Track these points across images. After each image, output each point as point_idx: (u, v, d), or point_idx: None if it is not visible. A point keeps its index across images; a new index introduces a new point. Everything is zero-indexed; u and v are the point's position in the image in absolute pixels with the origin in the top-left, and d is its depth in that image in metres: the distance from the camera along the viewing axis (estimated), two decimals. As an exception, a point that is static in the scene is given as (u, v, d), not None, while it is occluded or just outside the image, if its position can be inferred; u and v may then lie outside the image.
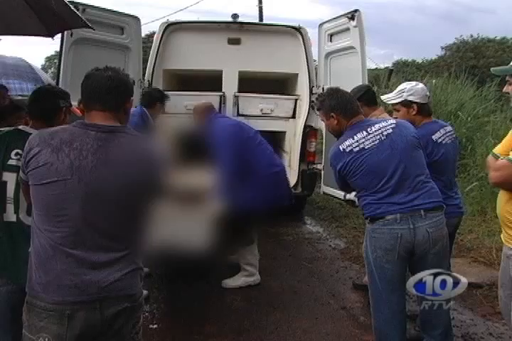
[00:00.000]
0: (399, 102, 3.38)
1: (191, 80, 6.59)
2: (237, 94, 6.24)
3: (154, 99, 4.87)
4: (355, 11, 5.23)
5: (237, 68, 6.19)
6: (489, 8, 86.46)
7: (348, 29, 5.43)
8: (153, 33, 7.60)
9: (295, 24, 6.24)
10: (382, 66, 19.41)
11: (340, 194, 5.66)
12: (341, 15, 5.50)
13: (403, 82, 3.56)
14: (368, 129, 2.87)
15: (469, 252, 5.49)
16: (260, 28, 6.49)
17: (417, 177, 2.84)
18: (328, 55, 6.02)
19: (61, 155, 1.81)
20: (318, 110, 3.14)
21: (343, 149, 2.86)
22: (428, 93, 3.41)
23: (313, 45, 6.37)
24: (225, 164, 4.13)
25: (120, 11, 5.72)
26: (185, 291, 4.43)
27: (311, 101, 6.22)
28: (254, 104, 6.17)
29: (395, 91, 3.43)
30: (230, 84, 6.22)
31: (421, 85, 3.41)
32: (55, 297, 1.84)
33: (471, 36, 29.51)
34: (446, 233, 2.95)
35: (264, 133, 5.82)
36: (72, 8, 3.04)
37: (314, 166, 6.35)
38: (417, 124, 3.24)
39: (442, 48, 30.62)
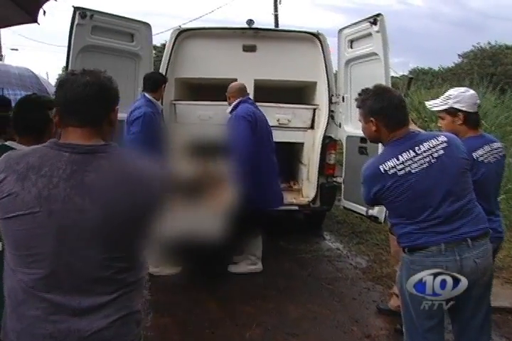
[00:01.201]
0: (444, 109, 3.01)
1: (204, 89, 6.30)
2: (252, 103, 5.90)
3: (159, 82, 4.89)
4: (378, 15, 4.88)
5: (253, 76, 5.86)
6: (505, 15, 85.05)
7: (369, 34, 5.09)
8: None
9: (313, 30, 5.93)
10: (399, 74, 19.04)
11: (362, 209, 5.42)
12: (362, 20, 5.16)
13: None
14: (416, 149, 2.46)
15: (501, 272, 5.09)
16: (277, 35, 6.19)
17: (466, 205, 2.45)
18: (348, 62, 5.70)
19: (27, 184, 1.48)
20: (357, 108, 2.69)
21: (385, 170, 2.44)
22: (478, 101, 3.03)
23: (331, 52, 6.05)
24: (240, 152, 4.42)
25: (129, 17, 5.46)
26: (195, 317, 4.08)
27: (330, 111, 5.94)
28: (271, 114, 5.78)
29: (441, 97, 3.06)
30: (245, 93, 5.89)
31: (470, 92, 3.03)
32: None
33: (489, 43, 29.08)
34: (492, 260, 2.60)
35: (281, 144, 5.62)
36: None
37: (334, 179, 6.01)
38: (461, 136, 2.83)
39: (459, 56, 30.21)
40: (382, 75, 4.97)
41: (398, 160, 2.43)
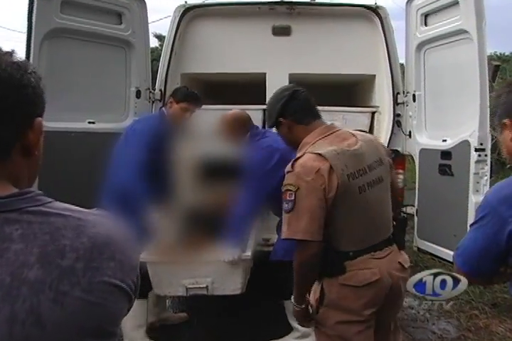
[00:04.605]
0: None
1: (222, 89, 5.65)
2: (287, 106, 5.02)
3: (187, 98, 4.19)
4: (470, -27, 3.93)
5: (287, 70, 5.05)
6: None
7: (455, 3, 4.15)
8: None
9: (370, 3, 4.99)
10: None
11: (446, 253, 4.38)
12: (445, -16, 4.21)
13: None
14: None
15: None
16: (319, 11, 5.22)
17: None
18: (421, 45, 4.74)
19: None
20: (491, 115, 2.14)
21: None
22: None
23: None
24: (252, 192, 3.80)
25: (116, -11, 4.62)
26: None
27: (395, 115, 4.99)
28: None
29: None
30: (277, 93, 5.04)
31: None
32: None
33: None
34: None
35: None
36: None
37: (402, 210, 5.00)
38: None
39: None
40: (474, 62, 4.05)
41: None
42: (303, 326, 2.82)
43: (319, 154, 2.42)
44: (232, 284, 3.72)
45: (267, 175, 3.72)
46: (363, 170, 2.47)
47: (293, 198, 2.38)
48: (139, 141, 3.86)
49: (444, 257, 4.47)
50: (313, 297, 2.58)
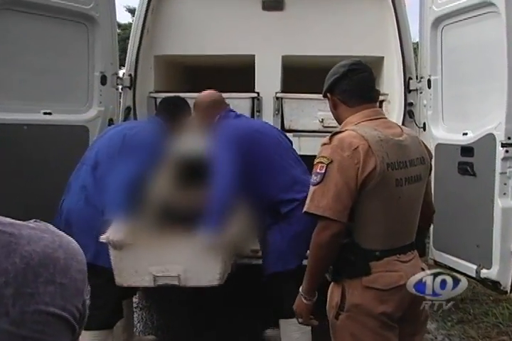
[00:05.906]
0: None
1: (203, 74, 5.66)
2: (280, 94, 5.02)
3: (182, 110, 4.13)
4: None
5: (279, 51, 5.00)
6: None
7: (480, -31, 3.92)
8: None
9: None
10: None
11: (468, 267, 4.26)
12: None
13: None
14: None
15: None
16: (316, -19, 5.09)
17: None
18: (438, 21, 4.58)
19: None
20: None
21: None
22: None
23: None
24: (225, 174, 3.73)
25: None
26: None
27: (407, 104, 4.87)
28: (310, 110, 4.95)
29: None
30: (267, 79, 5.06)
31: None
32: None
33: None
34: None
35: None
36: None
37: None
38: None
39: None
40: (501, 41, 3.90)
41: None
42: (302, 323, 2.81)
43: (360, 134, 2.49)
44: (209, 274, 3.56)
45: (238, 157, 3.73)
46: (403, 163, 2.53)
47: (323, 171, 2.47)
48: (146, 161, 3.73)
49: (465, 272, 4.27)
50: (331, 301, 2.60)
